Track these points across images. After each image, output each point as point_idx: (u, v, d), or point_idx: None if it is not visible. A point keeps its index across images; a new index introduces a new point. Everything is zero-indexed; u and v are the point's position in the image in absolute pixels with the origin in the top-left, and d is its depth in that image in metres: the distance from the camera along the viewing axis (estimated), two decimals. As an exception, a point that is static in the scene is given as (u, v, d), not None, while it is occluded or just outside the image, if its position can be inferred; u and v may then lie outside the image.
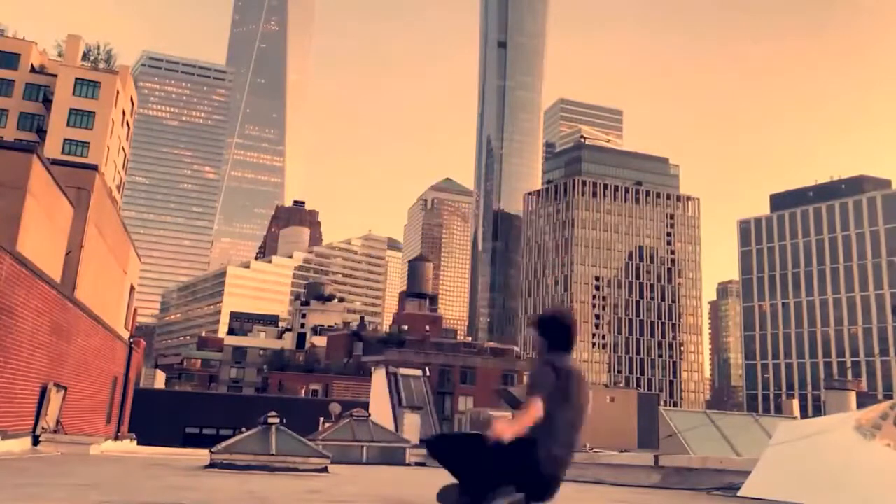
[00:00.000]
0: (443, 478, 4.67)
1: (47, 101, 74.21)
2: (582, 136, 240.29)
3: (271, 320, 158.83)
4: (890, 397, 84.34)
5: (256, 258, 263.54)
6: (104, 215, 22.34)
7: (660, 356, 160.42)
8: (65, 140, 72.67)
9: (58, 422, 17.11)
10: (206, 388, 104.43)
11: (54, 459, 13.90)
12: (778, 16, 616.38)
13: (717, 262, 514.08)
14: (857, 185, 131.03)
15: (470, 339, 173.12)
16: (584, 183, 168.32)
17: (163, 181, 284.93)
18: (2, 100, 73.90)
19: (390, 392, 31.55)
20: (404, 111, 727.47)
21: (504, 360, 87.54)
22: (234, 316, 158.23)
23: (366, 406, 30.66)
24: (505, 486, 4.34)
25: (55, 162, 20.15)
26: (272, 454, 13.58)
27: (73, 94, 74.38)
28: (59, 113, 73.38)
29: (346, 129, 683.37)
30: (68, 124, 73.56)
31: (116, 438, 25.83)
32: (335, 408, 29.41)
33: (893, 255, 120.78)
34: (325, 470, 13.64)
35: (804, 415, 72.89)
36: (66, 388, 17.61)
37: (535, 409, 4.38)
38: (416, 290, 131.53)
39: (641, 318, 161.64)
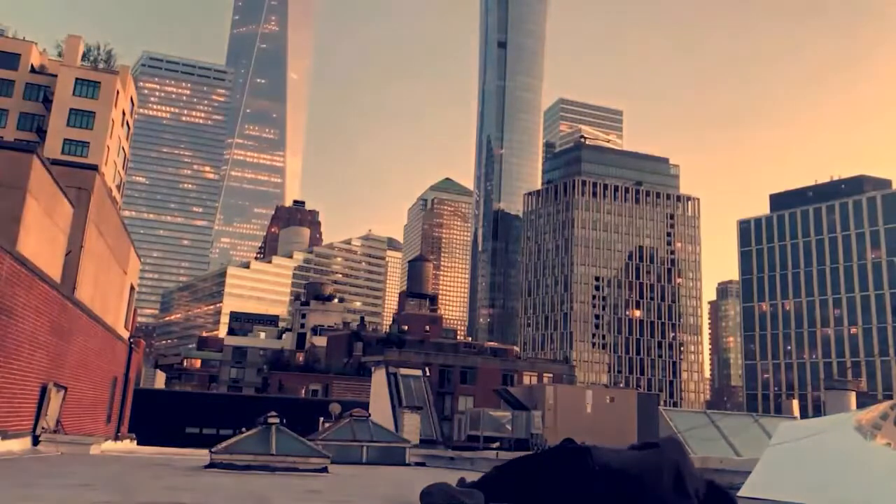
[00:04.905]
0: (442, 478, 4.66)
1: (47, 101, 74.14)
2: (582, 136, 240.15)
3: (271, 320, 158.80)
4: (890, 397, 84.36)
5: (256, 258, 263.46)
6: (104, 215, 22.33)
7: (660, 356, 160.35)
8: (65, 140, 72.59)
9: (58, 422, 17.10)
10: (206, 388, 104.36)
11: (54, 459, 13.89)
12: (779, 17, 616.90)
13: (717, 262, 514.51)
14: (857, 185, 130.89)
15: (470, 339, 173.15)
16: (584, 183, 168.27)
17: (163, 181, 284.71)
18: (2, 100, 73.79)
19: (390, 392, 31.53)
20: (404, 111, 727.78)
21: (504, 360, 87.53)
22: (234, 316, 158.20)
23: (366, 406, 30.61)
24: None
25: (55, 162, 20.14)
26: (272, 454, 13.58)
27: (73, 94, 74.30)
28: (59, 113, 73.31)
29: (346, 128, 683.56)
30: (68, 124, 73.48)
31: (116, 438, 25.84)
32: (335, 408, 29.36)
33: (893, 255, 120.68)
34: (325, 470, 13.64)
35: (804, 415, 72.75)
36: (66, 388, 17.60)
37: None
38: (416, 290, 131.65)
39: (641, 318, 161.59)
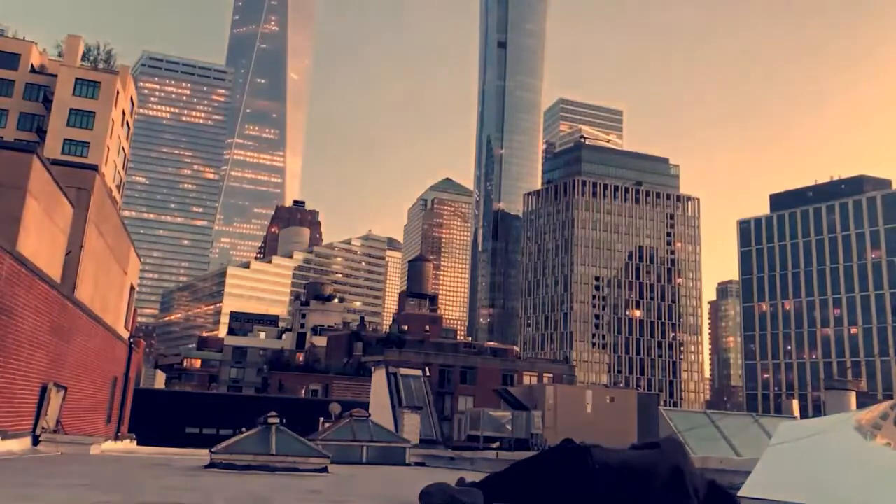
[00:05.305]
0: (442, 478, 4.66)
1: (47, 101, 74.13)
2: (582, 136, 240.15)
3: (271, 320, 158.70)
4: (890, 397, 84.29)
5: (256, 258, 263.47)
6: (104, 215, 22.33)
7: (660, 356, 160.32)
8: (65, 140, 72.59)
9: (58, 422, 17.10)
10: (206, 388, 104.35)
11: (54, 459, 13.89)
12: (779, 17, 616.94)
13: (717, 262, 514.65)
14: (857, 185, 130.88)
15: (470, 339, 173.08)
16: (584, 183, 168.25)
17: (163, 181, 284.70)
18: (2, 100, 73.77)
19: (390, 392, 31.51)
20: (404, 111, 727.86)
21: (504, 360, 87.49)
22: (234, 316, 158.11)
23: (366, 406, 30.59)
24: None
25: (55, 162, 20.14)
26: (272, 454, 13.57)
27: (73, 94, 74.29)
28: (59, 113, 73.29)
29: (346, 128, 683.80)
30: (68, 124, 73.47)
31: (116, 438, 25.83)
32: (335, 408, 29.37)
33: (893, 255, 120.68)
34: (325, 470, 13.64)
35: (804, 415, 72.70)
36: (66, 388, 17.60)
37: None
38: (416, 290, 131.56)
39: (641, 318, 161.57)
